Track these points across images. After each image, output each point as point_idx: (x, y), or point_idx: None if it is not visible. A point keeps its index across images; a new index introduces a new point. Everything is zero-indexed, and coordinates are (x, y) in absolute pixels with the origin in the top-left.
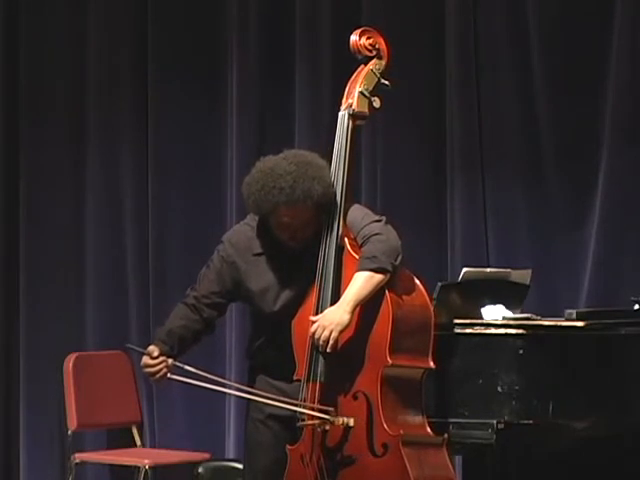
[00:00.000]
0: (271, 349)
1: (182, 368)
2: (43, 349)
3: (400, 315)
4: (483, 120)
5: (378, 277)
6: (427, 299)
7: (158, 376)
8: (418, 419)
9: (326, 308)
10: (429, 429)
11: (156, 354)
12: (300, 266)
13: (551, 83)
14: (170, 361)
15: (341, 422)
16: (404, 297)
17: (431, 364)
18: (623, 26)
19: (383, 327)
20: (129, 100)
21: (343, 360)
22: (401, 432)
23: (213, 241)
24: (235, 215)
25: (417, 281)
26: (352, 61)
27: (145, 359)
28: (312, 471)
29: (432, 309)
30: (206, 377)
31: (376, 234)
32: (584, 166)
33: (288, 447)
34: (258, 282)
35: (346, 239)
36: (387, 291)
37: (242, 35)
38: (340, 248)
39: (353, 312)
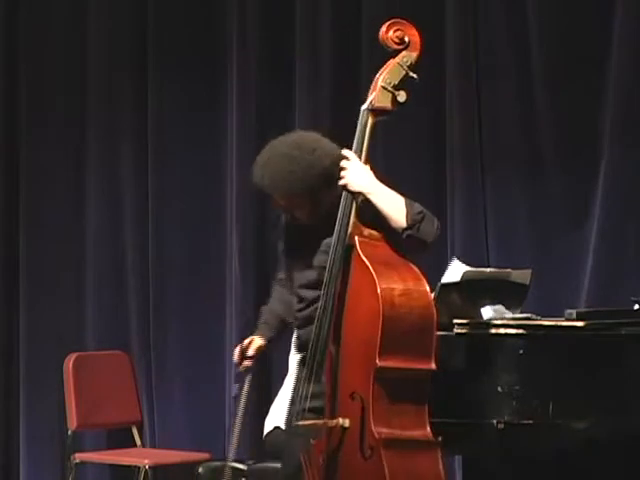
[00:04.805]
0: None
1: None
2: (43, 349)
3: (393, 315)
4: (483, 120)
5: (401, 208)
6: (429, 298)
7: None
8: (415, 421)
9: (327, 316)
10: (428, 432)
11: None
12: (311, 242)
13: (551, 83)
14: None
15: (335, 423)
16: (402, 297)
17: (432, 366)
18: (623, 26)
19: (373, 328)
20: (129, 100)
21: (342, 360)
22: (384, 435)
23: (213, 240)
24: (235, 213)
25: (422, 279)
26: (352, 60)
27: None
28: (312, 471)
29: (435, 309)
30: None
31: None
32: (584, 166)
33: None
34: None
35: (356, 237)
36: (380, 290)
37: (242, 34)
38: (349, 247)
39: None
